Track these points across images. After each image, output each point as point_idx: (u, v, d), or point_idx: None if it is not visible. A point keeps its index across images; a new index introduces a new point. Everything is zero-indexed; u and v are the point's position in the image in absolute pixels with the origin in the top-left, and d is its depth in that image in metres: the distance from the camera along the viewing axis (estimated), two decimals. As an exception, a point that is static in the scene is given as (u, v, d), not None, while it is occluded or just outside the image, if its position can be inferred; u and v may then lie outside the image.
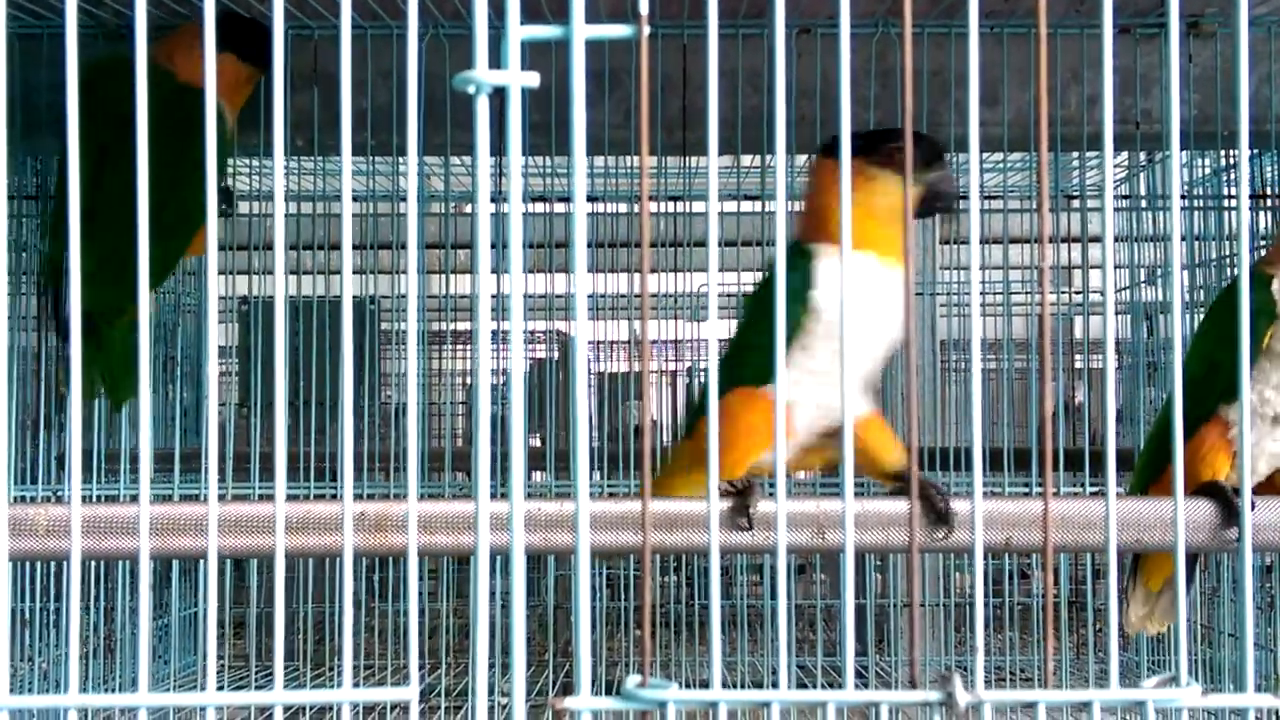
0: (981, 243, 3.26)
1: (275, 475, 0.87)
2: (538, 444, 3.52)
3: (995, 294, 3.42)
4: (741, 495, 1.42)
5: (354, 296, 3.00)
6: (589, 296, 3.61)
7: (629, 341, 4.42)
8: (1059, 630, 2.91)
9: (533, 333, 4.34)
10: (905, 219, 0.93)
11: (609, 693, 0.87)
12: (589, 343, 4.72)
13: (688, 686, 0.88)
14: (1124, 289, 2.94)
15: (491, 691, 2.64)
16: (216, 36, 0.87)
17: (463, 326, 3.40)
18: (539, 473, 3.13)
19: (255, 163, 2.90)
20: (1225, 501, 1.39)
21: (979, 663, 0.83)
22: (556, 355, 3.46)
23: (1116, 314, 2.83)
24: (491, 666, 2.89)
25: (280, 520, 0.88)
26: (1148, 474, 1.71)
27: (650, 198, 2.88)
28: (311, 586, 3.12)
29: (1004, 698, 0.82)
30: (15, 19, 2.20)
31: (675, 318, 3.63)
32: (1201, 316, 2.80)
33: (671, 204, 3.01)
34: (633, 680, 0.88)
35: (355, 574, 3.37)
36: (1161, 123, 2.22)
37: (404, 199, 2.92)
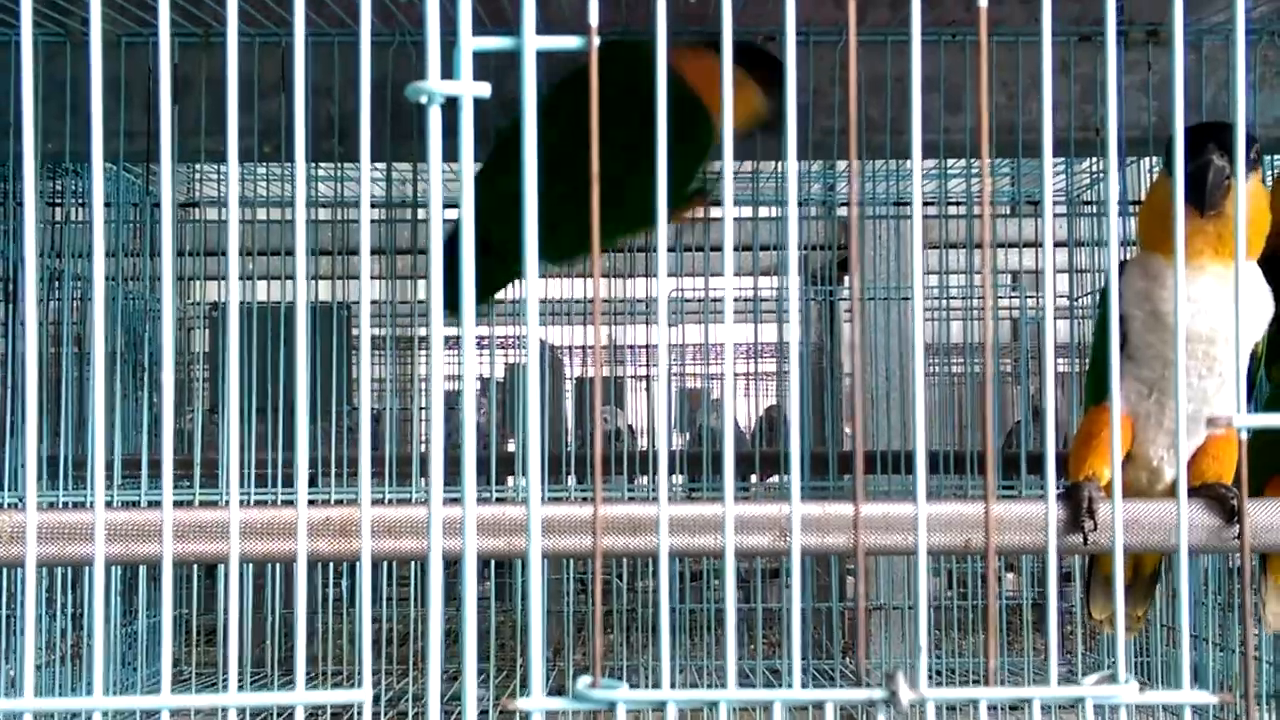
0: (949, 247, 3.29)
1: (230, 480, 0.88)
2: (525, 449, 3.52)
3: (964, 299, 3.45)
4: (1070, 498, 1.41)
5: (323, 302, 3.00)
6: (560, 302, 3.63)
7: (609, 346, 4.43)
8: (1021, 631, 2.93)
9: (506, 338, 4.35)
10: (1174, 216, 0.91)
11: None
12: (565, 348, 4.74)
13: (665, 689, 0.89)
14: (1089, 294, 2.97)
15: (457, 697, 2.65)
16: (736, 62, 0.92)
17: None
18: (510, 478, 3.14)
19: (223, 169, 2.90)
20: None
21: (923, 661, 0.85)
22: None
23: (1082, 318, 2.85)
24: (458, 676, 2.89)
25: (235, 525, 0.89)
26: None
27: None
28: (281, 593, 3.12)
29: (946, 695, 0.83)
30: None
31: (647, 323, 3.65)
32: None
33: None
34: (584, 681, 0.89)
35: (328, 580, 3.37)
36: (1136, 129, 2.25)
37: (374, 205, 2.93)
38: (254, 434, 2.57)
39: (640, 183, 1.06)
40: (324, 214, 2.88)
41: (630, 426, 6.03)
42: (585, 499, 2.81)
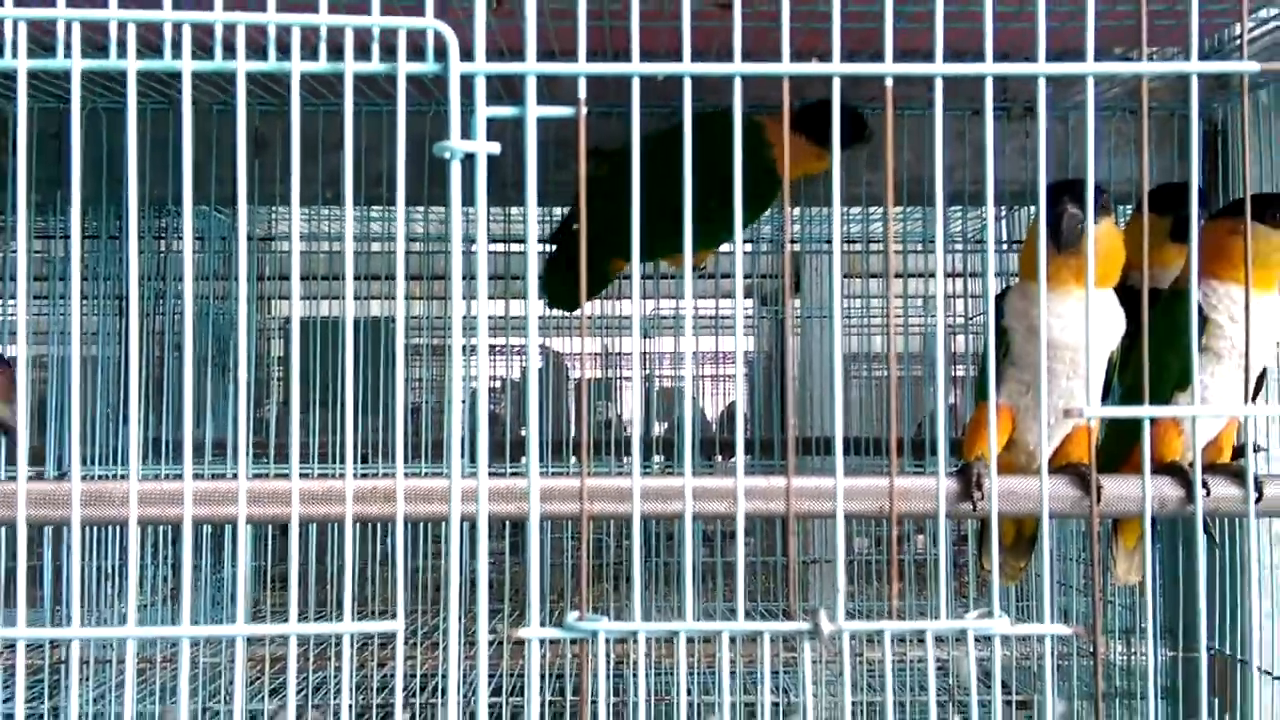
0: (870, 276, 3.27)
1: (290, 459, 0.89)
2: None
3: (883, 318, 3.46)
4: (962, 474, 1.41)
5: (375, 317, 2.99)
6: (565, 318, 3.63)
7: (603, 353, 4.44)
8: (928, 581, 2.94)
9: (521, 346, 4.35)
10: (1039, 254, 0.97)
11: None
12: (568, 355, 4.75)
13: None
14: (982, 314, 2.99)
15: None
16: (798, 119, 0.94)
17: (463, 342, 3.40)
18: (523, 457, 3.13)
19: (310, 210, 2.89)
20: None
21: (840, 601, 0.85)
22: (541, 364, 3.48)
23: (973, 334, 2.87)
24: (477, 614, 2.89)
25: (295, 492, 0.89)
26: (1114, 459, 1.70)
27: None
28: (340, 546, 3.11)
29: (856, 627, 0.84)
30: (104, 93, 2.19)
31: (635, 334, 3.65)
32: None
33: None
34: (572, 615, 0.89)
35: (378, 538, 3.36)
36: (1017, 184, 2.26)
37: (413, 239, 2.92)
38: (318, 422, 2.56)
39: (710, 217, 1.07)
40: (376, 246, 2.88)
41: (619, 415, 6.04)
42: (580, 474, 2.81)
